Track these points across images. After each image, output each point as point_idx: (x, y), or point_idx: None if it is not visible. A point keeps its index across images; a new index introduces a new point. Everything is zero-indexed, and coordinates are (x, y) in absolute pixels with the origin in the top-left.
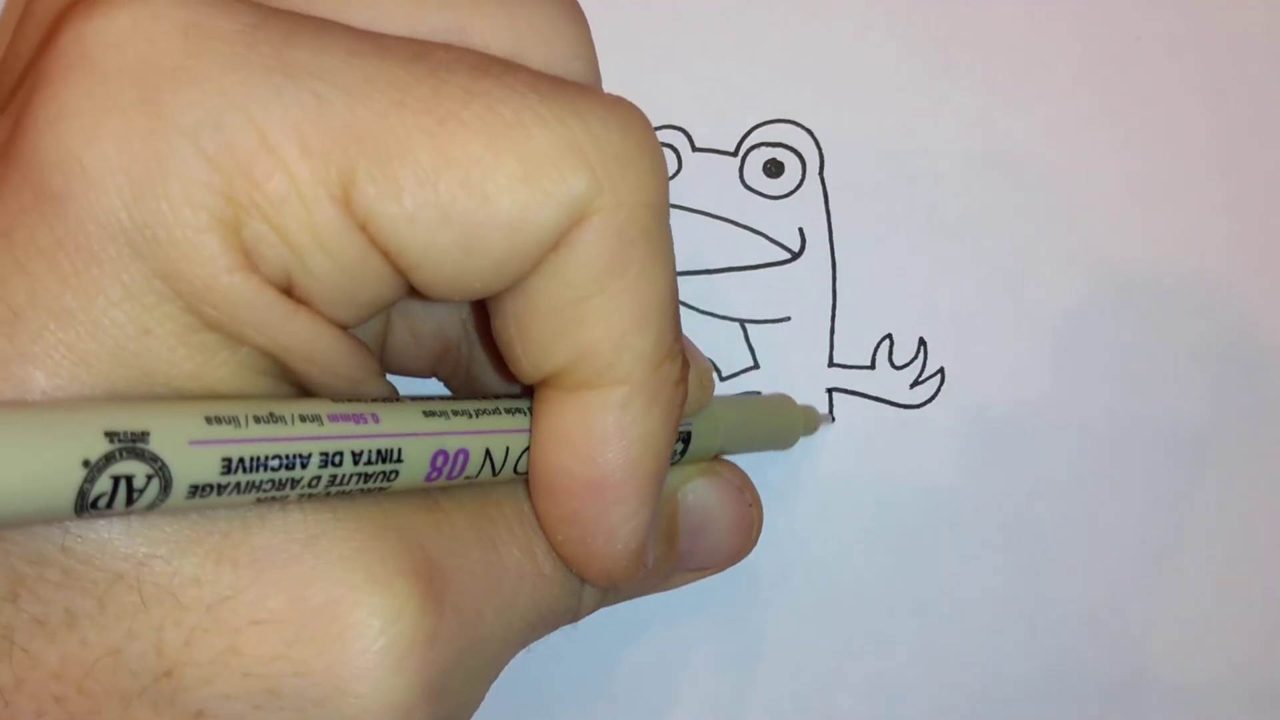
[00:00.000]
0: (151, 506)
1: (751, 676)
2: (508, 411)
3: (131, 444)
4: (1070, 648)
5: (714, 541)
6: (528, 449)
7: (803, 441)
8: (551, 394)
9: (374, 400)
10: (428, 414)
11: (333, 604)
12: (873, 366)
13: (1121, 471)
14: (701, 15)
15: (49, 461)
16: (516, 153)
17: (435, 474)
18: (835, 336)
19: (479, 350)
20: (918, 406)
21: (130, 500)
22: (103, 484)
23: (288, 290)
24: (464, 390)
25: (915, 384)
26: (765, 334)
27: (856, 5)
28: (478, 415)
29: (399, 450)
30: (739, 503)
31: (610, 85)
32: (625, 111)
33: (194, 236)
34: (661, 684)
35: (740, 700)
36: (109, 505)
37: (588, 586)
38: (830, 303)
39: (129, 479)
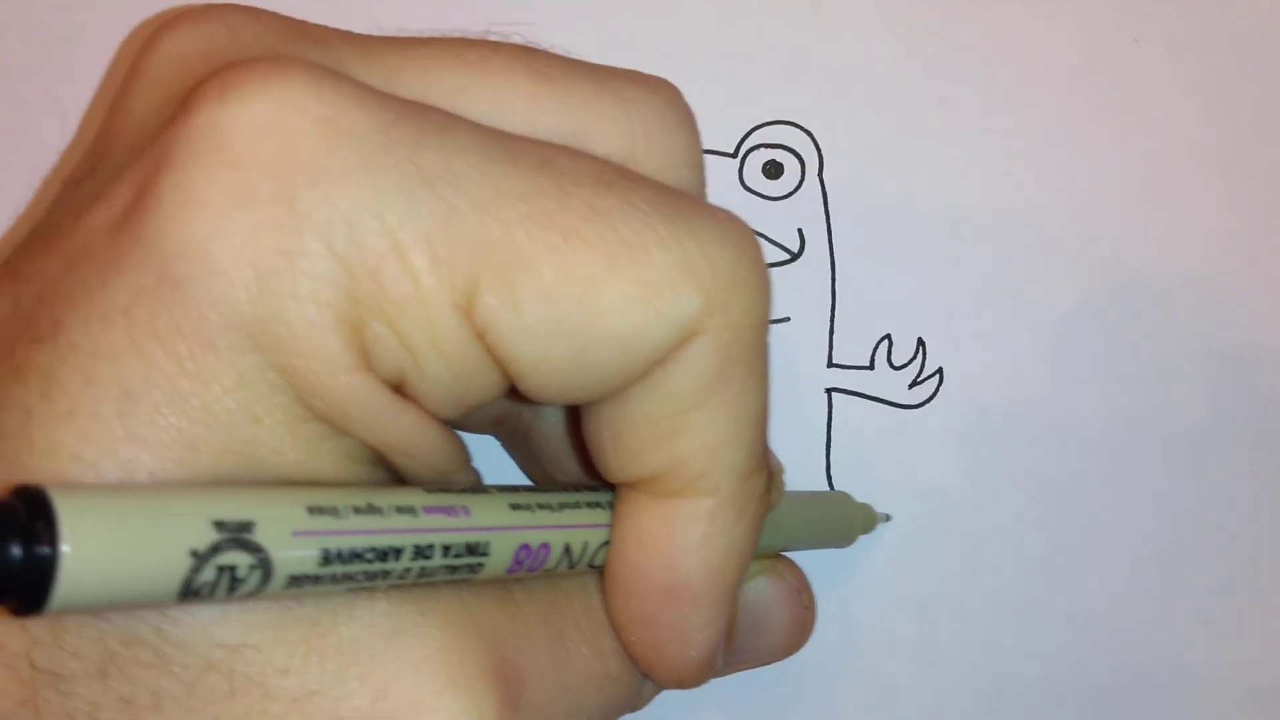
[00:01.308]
0: (249, 595)
1: (752, 676)
2: (588, 505)
3: (238, 534)
4: (1070, 648)
5: (768, 640)
6: (605, 544)
7: (803, 441)
8: (637, 497)
9: (463, 491)
10: (514, 507)
11: (414, 706)
12: (872, 367)
13: (1121, 471)
14: (701, 15)
15: (159, 550)
16: (634, 273)
17: (517, 567)
18: (834, 337)
19: (541, 419)
20: (917, 406)
21: (232, 589)
22: (207, 573)
23: (398, 388)
24: (519, 450)
25: (914, 384)
26: None
27: (856, 5)
28: (560, 509)
29: (487, 544)
30: (796, 604)
31: None
32: (739, 233)
33: (317, 336)
34: None
35: (740, 699)
36: (210, 594)
37: (648, 681)
38: (829, 303)
39: (233, 569)
